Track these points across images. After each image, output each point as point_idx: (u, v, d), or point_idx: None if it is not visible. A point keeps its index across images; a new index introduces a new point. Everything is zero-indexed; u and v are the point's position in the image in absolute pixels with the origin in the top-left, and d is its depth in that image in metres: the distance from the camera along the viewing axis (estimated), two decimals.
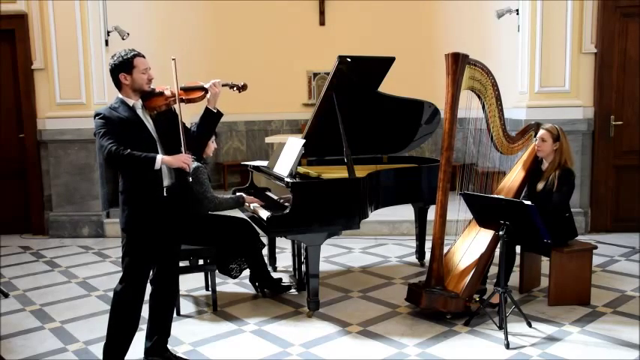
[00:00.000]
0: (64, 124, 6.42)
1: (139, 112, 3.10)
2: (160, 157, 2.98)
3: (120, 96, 3.10)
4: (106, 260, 5.63)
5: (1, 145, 6.65)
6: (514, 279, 4.31)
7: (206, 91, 3.20)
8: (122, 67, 3.05)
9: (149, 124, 3.11)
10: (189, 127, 3.28)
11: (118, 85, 3.09)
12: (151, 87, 3.13)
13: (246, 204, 4.29)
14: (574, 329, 3.67)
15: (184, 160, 3.03)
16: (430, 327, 3.75)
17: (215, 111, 3.21)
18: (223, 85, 3.30)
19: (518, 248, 4.26)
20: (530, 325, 3.68)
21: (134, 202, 3.06)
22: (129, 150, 2.93)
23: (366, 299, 4.33)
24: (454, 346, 3.48)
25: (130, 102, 3.09)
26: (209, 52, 8.39)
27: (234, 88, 3.43)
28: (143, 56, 3.12)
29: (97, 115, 3.04)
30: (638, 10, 5.94)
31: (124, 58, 3.05)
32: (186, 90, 3.20)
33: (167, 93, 3.14)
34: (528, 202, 3.39)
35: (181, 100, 3.13)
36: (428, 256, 4.44)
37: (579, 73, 5.96)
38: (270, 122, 8.85)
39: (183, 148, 3.06)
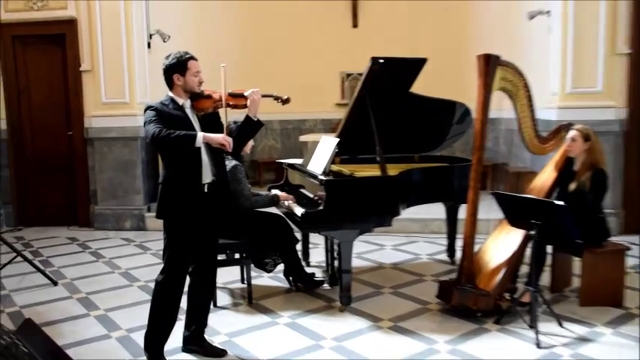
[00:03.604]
0: (109, 122, 6.55)
1: (188, 111, 3.15)
2: (200, 134, 2.98)
3: (170, 94, 3.14)
4: (146, 252, 5.72)
5: (52, 141, 6.83)
6: (545, 278, 4.21)
7: (247, 99, 3.22)
8: (176, 68, 3.09)
9: (196, 123, 3.15)
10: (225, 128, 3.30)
11: (170, 84, 3.14)
12: (201, 89, 3.17)
13: (281, 201, 4.29)
14: (606, 330, 3.56)
15: (226, 138, 3.01)
16: (460, 324, 3.69)
17: (255, 119, 3.23)
18: (266, 96, 3.31)
19: (549, 248, 4.16)
20: (561, 325, 3.59)
21: (172, 192, 3.09)
22: (170, 130, 2.94)
23: (397, 295, 4.29)
24: (484, 343, 3.42)
25: (180, 101, 3.13)
26: (246, 53, 8.44)
27: (278, 100, 3.45)
28: (196, 59, 3.15)
29: (149, 107, 3.08)
30: None
31: (179, 59, 3.09)
32: (233, 96, 3.23)
33: (215, 96, 3.18)
34: (560, 202, 3.31)
35: (227, 105, 3.17)
36: (458, 254, 4.37)
37: (612, 74, 5.77)
38: (305, 121, 8.85)
39: (225, 133, 3.07)
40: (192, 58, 3.13)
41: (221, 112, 3.20)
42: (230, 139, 3.03)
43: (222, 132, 3.09)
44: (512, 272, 3.87)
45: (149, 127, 2.98)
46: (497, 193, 3.69)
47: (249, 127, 3.27)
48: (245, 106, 3.24)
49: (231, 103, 3.19)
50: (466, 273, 3.80)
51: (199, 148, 3.06)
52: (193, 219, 3.12)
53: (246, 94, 3.22)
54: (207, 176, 3.14)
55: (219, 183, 3.20)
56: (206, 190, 3.13)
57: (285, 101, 3.45)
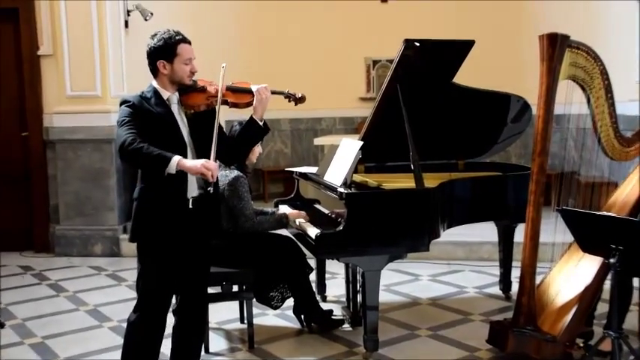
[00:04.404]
0: (76, 120, 6.60)
1: (174, 107, 3.14)
2: (176, 160, 2.90)
3: (154, 84, 3.14)
4: (121, 284, 5.75)
5: (1, 144, 6.85)
6: (632, 320, 4.15)
7: (253, 95, 3.21)
8: (162, 53, 3.08)
9: (183, 124, 3.15)
10: (228, 130, 3.30)
11: (154, 71, 3.13)
12: (192, 80, 3.15)
13: (291, 221, 4.29)
14: None
15: (208, 166, 2.90)
16: None
17: (261, 123, 3.22)
18: (276, 93, 3.32)
19: (635, 281, 4.11)
20: None
21: (149, 210, 3.09)
22: (144, 144, 2.90)
23: (436, 339, 4.28)
24: None
25: (165, 94, 3.12)
26: (249, 35, 8.46)
27: (290, 99, 3.45)
28: (189, 42, 3.14)
29: (124, 102, 3.08)
30: None
31: (167, 42, 3.07)
32: (234, 91, 3.21)
33: (210, 90, 3.15)
34: None
35: (225, 102, 3.15)
36: (515, 287, 4.34)
37: None
38: (320, 120, 8.90)
39: (212, 155, 2.97)
40: (183, 40, 3.11)
41: (216, 108, 3.14)
42: (214, 166, 2.92)
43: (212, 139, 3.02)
44: (587, 312, 3.83)
45: (120, 132, 2.98)
46: (565, 209, 3.65)
47: (252, 133, 3.25)
48: (247, 105, 3.23)
49: (230, 101, 3.18)
50: (525, 312, 3.77)
51: (185, 151, 3.06)
52: (173, 241, 3.11)
53: (252, 89, 3.21)
54: (193, 189, 3.13)
55: (209, 196, 3.14)
56: (190, 206, 3.12)
57: (299, 100, 3.45)
